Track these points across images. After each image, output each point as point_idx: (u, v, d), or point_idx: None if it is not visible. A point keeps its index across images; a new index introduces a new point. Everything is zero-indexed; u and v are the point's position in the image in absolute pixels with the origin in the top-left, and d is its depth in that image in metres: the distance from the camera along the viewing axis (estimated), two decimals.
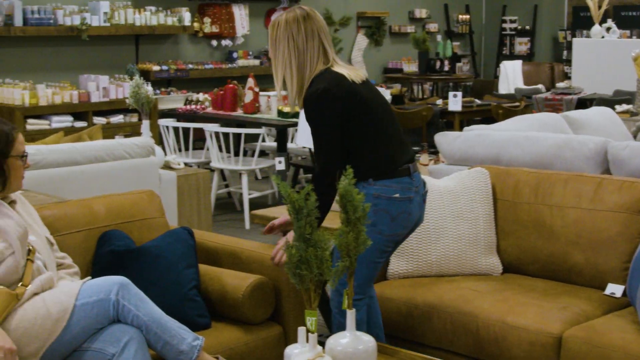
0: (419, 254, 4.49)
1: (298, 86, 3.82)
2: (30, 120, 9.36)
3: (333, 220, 3.99)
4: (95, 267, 3.98)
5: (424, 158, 6.27)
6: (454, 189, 4.62)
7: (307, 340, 3.04)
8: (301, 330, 3.04)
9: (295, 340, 3.18)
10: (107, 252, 3.97)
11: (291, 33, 3.80)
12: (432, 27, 15.75)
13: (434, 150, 6.77)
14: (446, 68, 14.62)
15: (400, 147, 3.90)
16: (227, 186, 9.35)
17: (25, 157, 3.60)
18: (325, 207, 3.69)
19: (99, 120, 9.81)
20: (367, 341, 3.09)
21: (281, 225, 4.01)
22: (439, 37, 15.86)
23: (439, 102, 10.83)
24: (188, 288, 3.88)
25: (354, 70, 3.87)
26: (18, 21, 9.62)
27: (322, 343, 3.15)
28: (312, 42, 3.80)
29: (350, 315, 3.07)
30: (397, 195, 3.78)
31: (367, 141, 3.80)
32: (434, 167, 5.85)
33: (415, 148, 9.53)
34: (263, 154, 9.71)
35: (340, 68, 3.84)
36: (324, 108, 3.72)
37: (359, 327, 3.72)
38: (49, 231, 3.80)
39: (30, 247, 3.54)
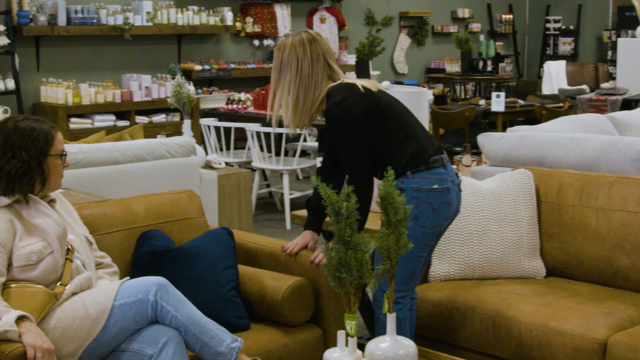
0: (461, 256, 4.43)
1: (308, 107, 3.86)
2: (73, 119, 9.41)
3: (373, 221, 3.96)
4: (134, 267, 3.96)
5: (466, 159, 6.19)
6: (497, 190, 4.55)
7: (347, 344, 3.00)
8: (340, 334, 2.99)
9: (335, 344, 3.15)
10: (146, 252, 3.96)
11: (296, 56, 3.84)
12: (475, 26, 15.65)
13: (476, 151, 6.69)
14: (489, 68, 14.53)
15: (426, 139, 3.95)
16: (268, 186, 9.34)
17: (64, 155, 3.60)
18: (365, 213, 3.75)
19: (141, 119, 9.84)
20: (408, 346, 3.04)
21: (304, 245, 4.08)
22: (481, 37, 15.76)
23: (482, 102, 10.74)
24: (227, 289, 3.85)
25: (367, 81, 3.93)
26: (62, 21, 9.67)
27: (362, 345, 3.11)
28: (317, 65, 3.85)
29: (391, 320, 3.02)
30: (435, 186, 3.81)
31: (394, 137, 3.84)
32: (477, 168, 5.79)
33: (457, 149, 9.47)
34: (304, 153, 9.68)
35: (351, 80, 3.90)
36: (346, 117, 3.77)
37: (400, 327, 3.69)
38: (88, 230, 3.79)
39: (69, 247, 3.54)
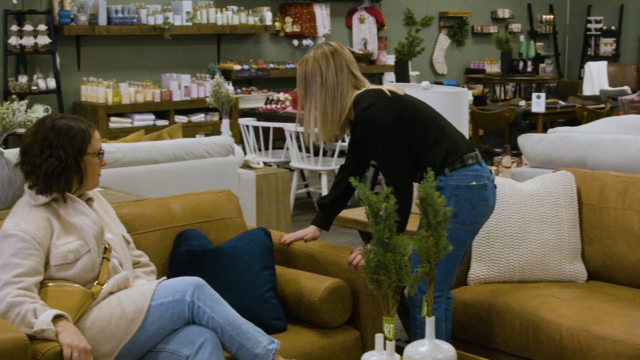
0: (501, 259, 4.38)
1: (337, 117, 3.87)
2: (113, 119, 9.46)
3: (411, 222, 3.92)
4: (171, 266, 3.96)
5: (506, 160, 6.13)
6: (538, 192, 4.50)
7: (385, 348, 2.96)
8: (378, 337, 2.96)
9: (373, 346, 3.11)
10: (183, 252, 3.95)
11: (320, 69, 3.87)
12: (515, 27, 15.54)
13: (516, 153, 6.63)
14: (529, 69, 14.41)
15: (458, 137, 3.98)
16: (306, 186, 9.31)
17: (101, 154, 3.59)
18: (405, 216, 3.79)
19: (180, 118, 9.86)
20: (447, 350, 3.00)
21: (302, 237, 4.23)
22: (522, 38, 15.64)
23: (522, 103, 10.66)
24: (264, 290, 3.83)
25: (393, 86, 3.96)
26: (102, 20, 9.72)
27: (399, 348, 3.07)
28: (341, 76, 3.88)
29: (430, 323, 2.98)
30: (473, 183, 3.84)
31: (426, 137, 3.86)
32: (517, 170, 5.73)
33: (496, 150, 9.40)
34: (343, 154, 9.63)
35: (376, 86, 3.94)
36: (376, 121, 3.79)
37: (437, 327, 3.65)
38: (125, 229, 3.79)
39: (107, 245, 3.54)
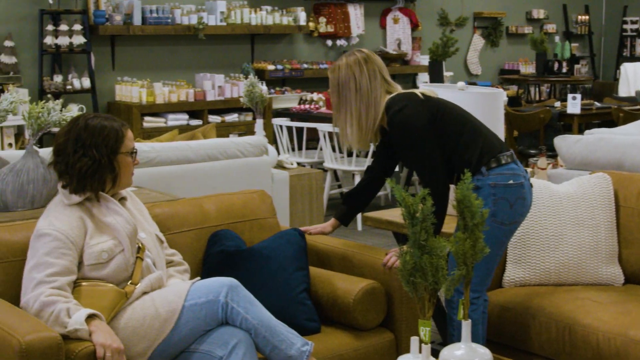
0: (537, 261, 4.33)
1: (371, 124, 3.88)
2: (147, 118, 9.48)
3: (447, 224, 3.89)
4: (205, 267, 3.95)
5: (541, 162, 6.07)
6: (574, 194, 4.45)
7: (420, 351, 2.93)
8: (414, 340, 2.93)
9: (407, 348, 3.09)
10: (217, 252, 3.94)
11: (353, 75, 3.88)
12: (550, 27, 15.43)
13: (551, 154, 6.58)
14: (564, 70, 14.29)
15: (492, 136, 3.98)
16: (339, 187, 9.28)
17: (134, 153, 3.59)
18: (442, 217, 3.79)
19: (214, 118, 9.87)
20: (483, 354, 2.97)
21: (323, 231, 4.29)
22: (556, 38, 15.52)
23: (557, 104, 10.57)
24: (298, 291, 3.81)
25: (425, 89, 3.99)
26: (137, 20, 9.75)
27: (435, 351, 3.04)
28: (375, 82, 3.89)
29: (466, 327, 2.95)
30: (511, 181, 3.83)
31: (461, 138, 3.86)
32: (553, 172, 5.68)
33: (531, 151, 9.33)
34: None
35: (408, 90, 3.96)
36: (410, 123, 3.80)
37: (473, 329, 3.62)
38: (158, 228, 3.78)
39: (140, 245, 3.53)
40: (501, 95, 5.00)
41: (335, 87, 3.93)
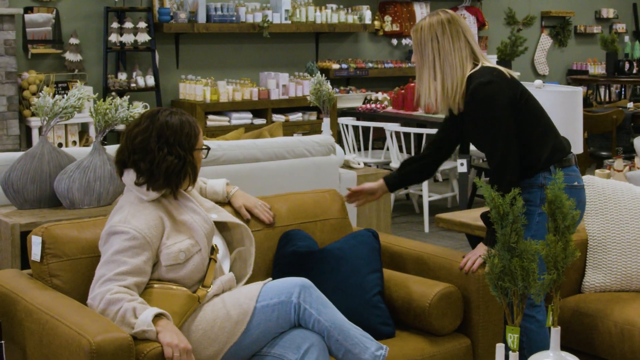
0: (618, 266, 4.18)
1: (457, 85, 3.72)
2: (210, 117, 9.44)
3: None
4: (276, 267, 3.85)
5: (618, 163, 5.88)
6: None
7: (506, 358, 2.79)
8: (499, 348, 2.79)
9: (484, 355, 2.95)
10: (288, 253, 3.83)
11: (435, 35, 3.74)
12: (620, 27, 15.13)
13: (627, 156, 6.39)
14: (635, 70, 13.99)
15: (561, 135, 3.86)
16: (406, 188, 9.15)
17: (207, 150, 3.51)
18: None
19: (278, 117, 9.80)
20: None
21: (370, 191, 4.09)
22: (626, 38, 15.22)
23: (630, 105, 10.34)
24: (372, 294, 3.69)
25: (505, 68, 3.80)
26: (202, 18, 9.71)
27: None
28: (458, 43, 3.74)
29: (555, 334, 2.80)
30: (576, 183, 3.75)
31: (535, 129, 3.73)
32: (632, 174, 5.51)
33: (603, 153, 9.11)
34: None
35: (494, 64, 3.79)
36: (494, 99, 3.63)
37: (545, 333, 3.50)
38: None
39: (214, 246, 3.44)
40: (579, 94, 4.84)
41: (417, 47, 3.80)
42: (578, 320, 4.04)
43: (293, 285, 3.29)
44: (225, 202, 3.88)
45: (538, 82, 4.77)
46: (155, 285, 3.26)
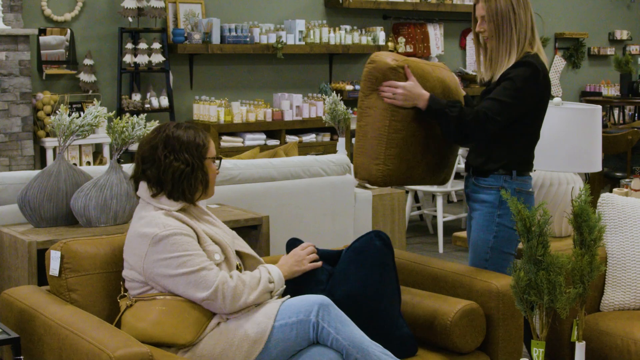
0: (637, 284, 4.13)
1: (514, 54, 3.88)
2: (224, 137, 9.43)
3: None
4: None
5: (635, 183, 5.84)
6: None
7: None
8: None
9: None
10: None
11: (512, 5, 3.85)
12: (634, 49, 15.10)
13: None
14: None
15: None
16: (419, 209, 9.12)
17: (219, 159, 3.50)
18: (456, 121, 3.75)
19: (292, 138, 9.79)
20: None
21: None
22: None
23: None
24: (393, 311, 3.64)
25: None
26: (216, 39, 9.71)
27: None
28: (530, 15, 3.90)
29: (580, 349, 2.76)
30: (530, 189, 3.94)
31: (529, 135, 3.93)
32: None
33: (617, 174, 9.07)
34: (458, 176, 9.42)
35: (545, 60, 3.98)
36: (530, 79, 3.82)
37: None
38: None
39: (238, 264, 3.43)
40: (598, 112, 4.79)
41: (491, 16, 3.86)
42: (597, 338, 3.99)
43: (312, 304, 3.26)
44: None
45: (557, 99, 4.73)
46: (169, 297, 3.24)
